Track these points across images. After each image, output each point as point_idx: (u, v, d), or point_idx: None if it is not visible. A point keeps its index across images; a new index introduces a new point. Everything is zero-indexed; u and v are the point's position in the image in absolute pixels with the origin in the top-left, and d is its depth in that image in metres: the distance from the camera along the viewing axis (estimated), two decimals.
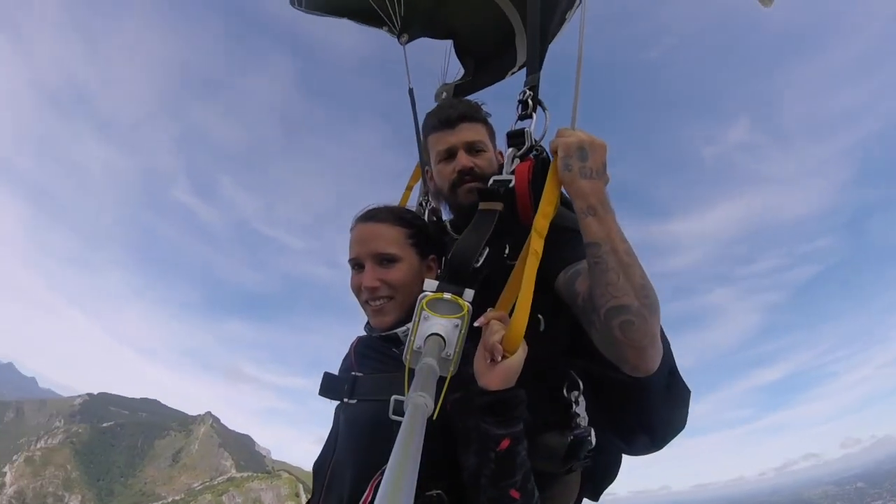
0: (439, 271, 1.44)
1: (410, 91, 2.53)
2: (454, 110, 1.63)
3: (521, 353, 1.11)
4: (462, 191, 1.58)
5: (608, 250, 1.14)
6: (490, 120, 1.71)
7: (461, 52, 2.79)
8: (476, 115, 1.65)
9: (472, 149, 1.60)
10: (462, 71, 2.78)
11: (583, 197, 1.21)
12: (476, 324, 1.15)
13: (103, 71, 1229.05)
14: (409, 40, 2.70)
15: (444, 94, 2.64)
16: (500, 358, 1.09)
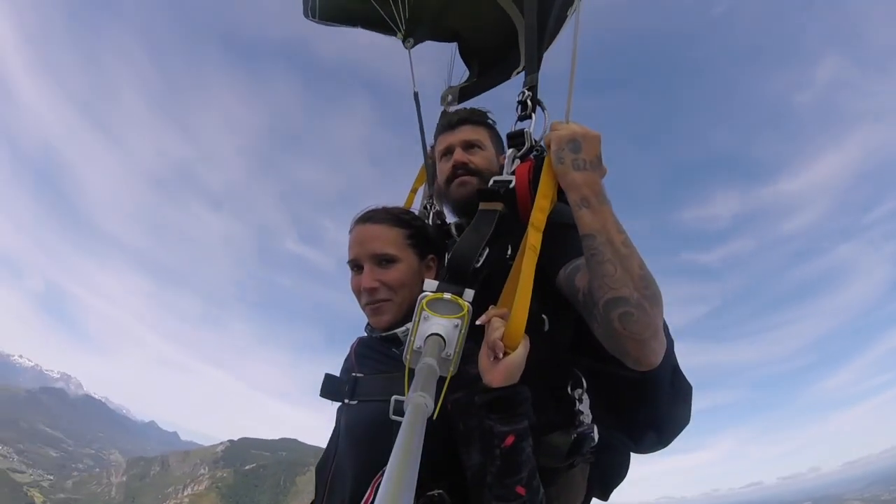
0: (440, 271, 1.45)
1: (416, 94, 2.57)
2: (457, 115, 1.73)
3: (522, 350, 1.12)
4: (454, 185, 1.64)
5: (604, 241, 1.13)
6: (498, 127, 1.78)
7: (466, 55, 2.81)
8: (478, 120, 1.72)
9: (469, 146, 1.66)
10: (467, 73, 2.80)
11: (576, 189, 1.21)
12: (478, 322, 1.16)
13: (199, 147, 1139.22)
14: (415, 44, 2.73)
15: (450, 96, 2.65)
16: (501, 355, 1.11)
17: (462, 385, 1.16)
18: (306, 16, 2.85)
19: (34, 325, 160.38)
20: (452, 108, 2.60)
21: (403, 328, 1.34)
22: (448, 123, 1.72)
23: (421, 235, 1.43)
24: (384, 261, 1.35)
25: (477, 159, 1.64)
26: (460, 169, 1.63)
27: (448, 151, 1.68)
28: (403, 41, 2.68)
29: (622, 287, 1.08)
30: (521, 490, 1.07)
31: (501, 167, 1.64)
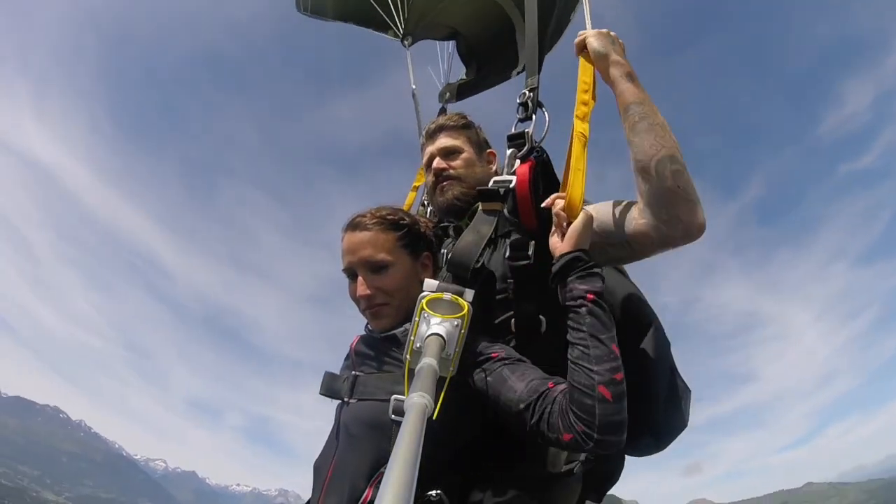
0: (440, 268, 1.45)
1: (413, 93, 2.57)
2: (435, 124, 1.78)
3: (584, 217, 1.24)
4: (438, 191, 1.69)
5: (650, 109, 1.26)
6: (482, 126, 1.81)
7: (464, 53, 2.81)
8: (455, 125, 1.76)
9: (448, 153, 1.71)
10: (464, 71, 2.80)
11: (621, 66, 1.36)
12: (543, 205, 1.32)
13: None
14: (413, 43, 2.73)
15: (448, 94, 2.66)
16: (566, 224, 1.24)
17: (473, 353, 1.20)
18: (298, 9, 2.87)
19: (243, 454, 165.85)
20: (450, 106, 2.62)
21: (402, 328, 1.33)
22: (429, 132, 1.78)
23: (412, 235, 1.40)
24: (378, 267, 1.34)
25: (457, 163, 1.69)
26: (440, 176, 1.68)
27: (430, 162, 1.74)
28: (402, 40, 2.67)
29: (672, 146, 1.21)
30: (615, 348, 1.07)
31: (487, 164, 1.72)
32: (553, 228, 1.27)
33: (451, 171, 1.67)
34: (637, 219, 1.28)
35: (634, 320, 1.40)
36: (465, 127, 1.76)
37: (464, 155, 1.70)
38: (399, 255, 1.36)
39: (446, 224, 1.74)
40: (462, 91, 2.68)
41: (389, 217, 1.38)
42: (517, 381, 1.14)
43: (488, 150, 1.77)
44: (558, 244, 1.23)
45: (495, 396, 1.15)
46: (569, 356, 1.10)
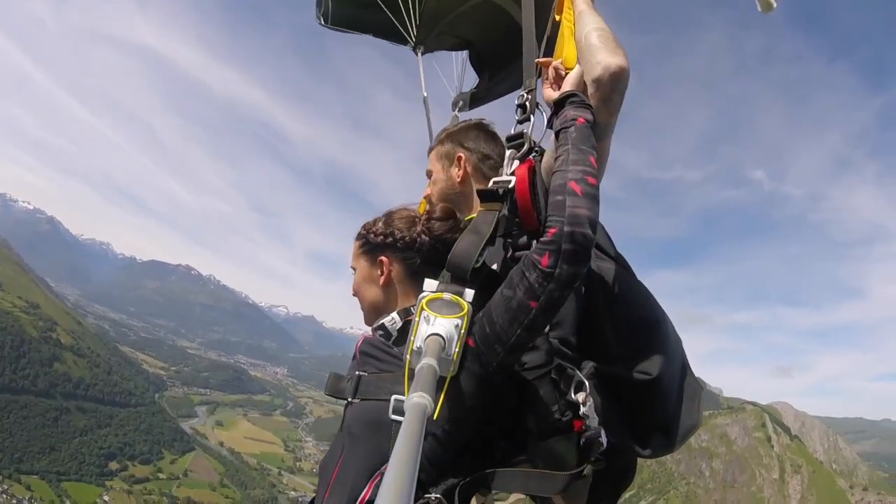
0: (403, 268, 1.52)
1: (424, 99, 2.62)
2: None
3: (578, 69, 1.41)
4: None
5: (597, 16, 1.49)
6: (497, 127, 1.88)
7: (477, 62, 2.88)
8: (433, 146, 1.91)
9: (430, 177, 1.91)
10: (477, 80, 2.89)
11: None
12: (537, 61, 1.56)
13: None
14: (425, 52, 2.79)
15: (461, 102, 2.72)
16: (564, 73, 1.44)
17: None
18: (319, 21, 2.98)
19: (356, 302, 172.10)
20: (463, 114, 2.67)
21: (389, 318, 1.40)
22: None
23: (369, 242, 1.54)
24: (352, 271, 1.60)
25: (430, 190, 1.87)
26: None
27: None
28: (414, 49, 2.72)
29: (602, 26, 1.44)
30: (594, 161, 1.18)
31: (462, 173, 1.78)
32: (548, 82, 1.49)
33: (431, 197, 1.85)
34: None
35: (643, 318, 1.38)
36: (440, 144, 1.88)
37: (435, 176, 1.86)
38: (358, 261, 1.58)
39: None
40: (475, 99, 2.74)
41: (364, 227, 1.57)
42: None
43: (459, 154, 1.82)
44: (553, 94, 1.39)
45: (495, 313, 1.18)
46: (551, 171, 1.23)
